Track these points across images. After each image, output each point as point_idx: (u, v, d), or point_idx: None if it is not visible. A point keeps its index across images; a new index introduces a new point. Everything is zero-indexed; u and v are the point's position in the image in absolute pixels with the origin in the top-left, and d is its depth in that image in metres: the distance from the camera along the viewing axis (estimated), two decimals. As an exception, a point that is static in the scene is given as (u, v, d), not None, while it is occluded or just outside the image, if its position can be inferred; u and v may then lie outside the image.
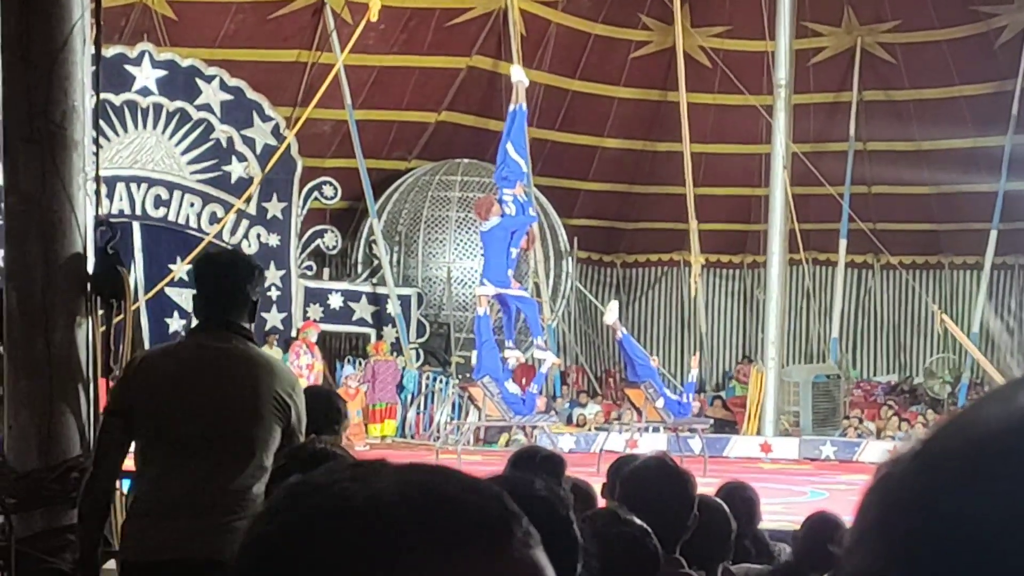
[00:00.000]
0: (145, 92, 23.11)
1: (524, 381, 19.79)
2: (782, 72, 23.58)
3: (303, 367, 20.67)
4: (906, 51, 27.67)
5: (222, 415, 4.06)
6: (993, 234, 27.09)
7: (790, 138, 23.46)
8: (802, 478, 17.97)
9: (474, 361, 22.01)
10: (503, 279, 18.13)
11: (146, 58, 23.11)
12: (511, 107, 19.12)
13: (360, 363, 24.03)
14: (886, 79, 28.12)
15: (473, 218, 26.36)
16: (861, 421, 23.73)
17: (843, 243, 27.34)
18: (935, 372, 27.91)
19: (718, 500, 4.68)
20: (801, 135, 25.03)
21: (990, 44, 26.74)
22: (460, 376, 22.65)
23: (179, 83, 23.41)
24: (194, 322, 4.36)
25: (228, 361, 4.15)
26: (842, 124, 27.88)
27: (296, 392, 4.24)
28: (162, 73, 23.26)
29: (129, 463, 4.30)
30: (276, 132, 24.10)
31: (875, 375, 29.22)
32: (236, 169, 23.98)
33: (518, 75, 19.35)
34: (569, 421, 24.05)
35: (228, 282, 4.21)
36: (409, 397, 23.64)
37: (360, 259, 26.89)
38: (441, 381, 23.95)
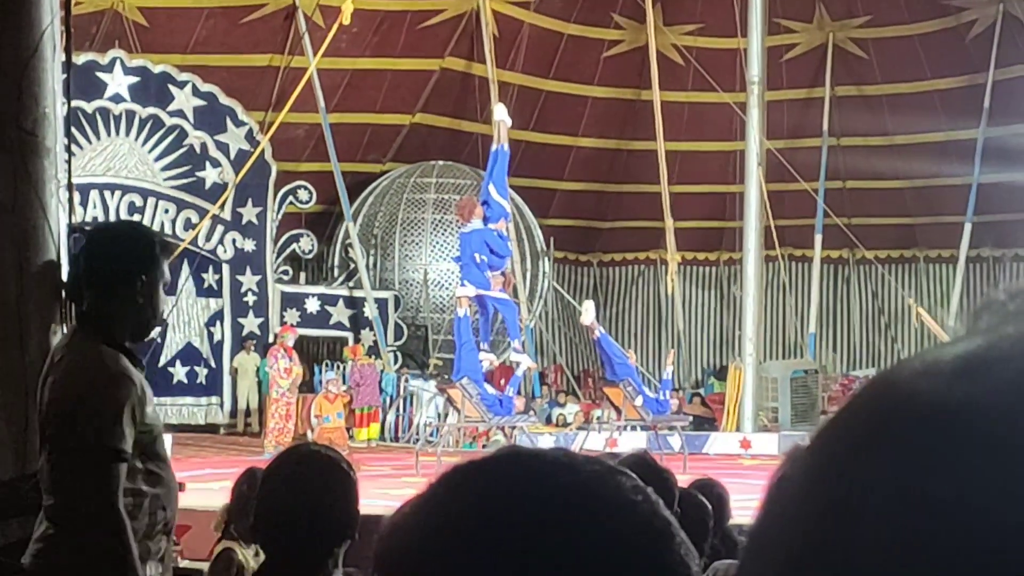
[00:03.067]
0: (117, 99, 23.02)
1: (502, 382, 19.78)
2: (755, 69, 23.64)
3: (281, 371, 20.61)
4: (878, 46, 27.78)
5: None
6: (967, 227, 27.24)
7: (764, 135, 23.52)
8: (782, 473, 17.97)
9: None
10: (482, 281, 18.10)
11: (118, 65, 23.02)
12: (493, 147, 19.00)
13: (338, 367, 23.99)
14: (858, 74, 28.23)
15: (450, 220, 26.38)
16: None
17: (818, 238, 27.43)
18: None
19: (696, 493, 4.69)
20: (775, 131, 25.10)
21: (961, 38, 26.87)
22: (439, 378, 22.62)
23: (151, 89, 23.33)
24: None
25: (49, 374, 3.75)
26: (815, 120, 27.97)
27: (62, 413, 3.64)
28: (134, 79, 23.18)
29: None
30: (250, 137, 24.03)
31: (853, 369, 29.31)
32: (210, 175, 23.91)
33: (500, 114, 19.12)
34: (548, 421, 24.05)
35: (93, 263, 3.83)
36: (388, 400, 23.61)
37: (336, 263, 26.85)
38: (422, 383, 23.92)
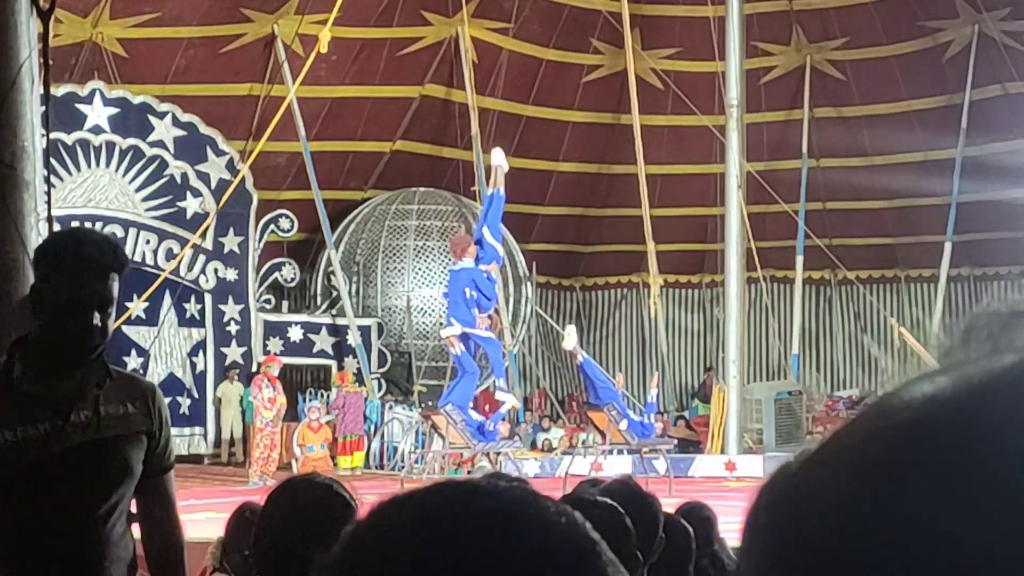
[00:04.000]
0: (97, 130, 23.00)
1: (487, 408, 19.77)
2: (733, 92, 23.71)
3: (265, 401, 20.54)
4: (855, 67, 27.93)
5: None
6: (947, 246, 27.33)
7: (744, 157, 23.59)
8: (767, 495, 17.98)
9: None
10: (468, 319, 18.12)
11: (97, 96, 23.00)
12: (488, 190, 18.97)
13: (322, 395, 23.93)
14: (837, 96, 28.36)
15: (432, 246, 26.40)
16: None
17: (800, 260, 27.49)
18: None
19: (679, 518, 4.68)
20: (754, 154, 25.18)
21: (938, 58, 27.03)
22: (423, 404, 22.57)
23: (131, 120, 23.31)
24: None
25: None
26: (795, 141, 28.07)
27: None
28: (114, 111, 23.16)
29: None
30: (230, 166, 24.02)
31: (836, 390, 29.35)
32: (191, 205, 23.88)
33: (498, 159, 19.06)
34: (533, 446, 24.01)
35: None
36: (373, 428, 23.55)
37: (319, 291, 26.81)
38: (404, 410, 23.87)
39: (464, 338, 18.21)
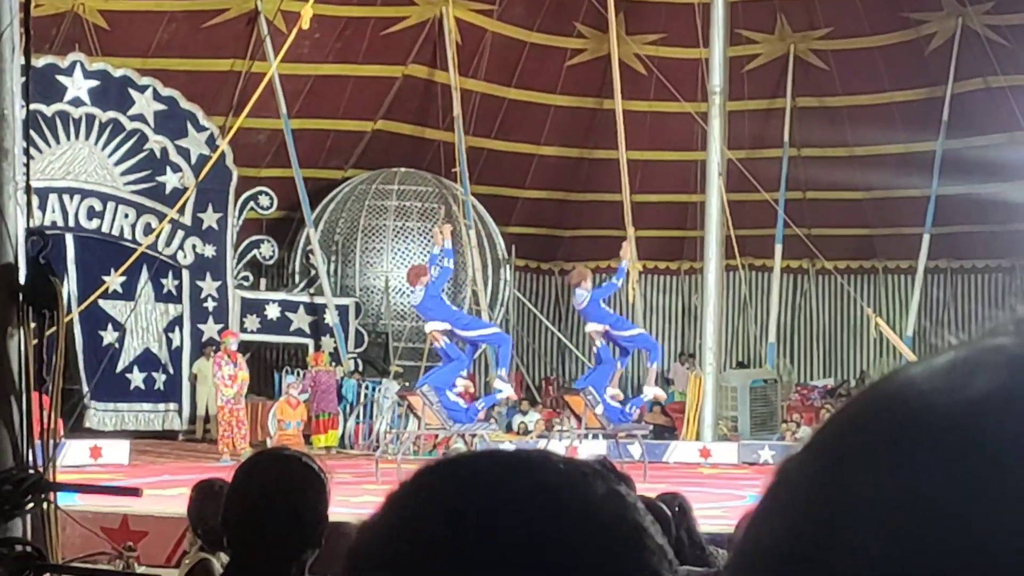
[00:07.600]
0: (77, 102, 22.86)
1: (471, 391, 19.79)
2: (717, 79, 23.73)
3: (226, 378, 20.37)
4: (838, 58, 27.97)
5: None
6: (926, 238, 27.44)
7: (725, 145, 23.62)
8: (741, 482, 18.06)
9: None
10: (466, 323, 18.22)
11: (78, 68, 22.86)
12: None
13: (299, 373, 23.90)
14: (819, 85, 28.40)
15: (411, 227, 26.40)
16: (799, 425, 23.92)
17: (779, 248, 27.55)
18: (870, 376, 28.25)
19: (658, 502, 4.69)
20: (736, 141, 25.20)
21: (921, 50, 27.09)
22: (401, 385, 22.56)
23: (112, 93, 23.18)
24: None
25: None
26: (776, 130, 28.11)
27: None
28: (94, 83, 23.02)
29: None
30: (211, 142, 23.92)
31: (812, 379, 29.45)
32: (170, 179, 23.78)
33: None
34: (509, 429, 24.04)
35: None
36: (348, 407, 23.54)
37: (297, 269, 26.77)
38: (380, 391, 23.86)
39: (450, 333, 18.20)
